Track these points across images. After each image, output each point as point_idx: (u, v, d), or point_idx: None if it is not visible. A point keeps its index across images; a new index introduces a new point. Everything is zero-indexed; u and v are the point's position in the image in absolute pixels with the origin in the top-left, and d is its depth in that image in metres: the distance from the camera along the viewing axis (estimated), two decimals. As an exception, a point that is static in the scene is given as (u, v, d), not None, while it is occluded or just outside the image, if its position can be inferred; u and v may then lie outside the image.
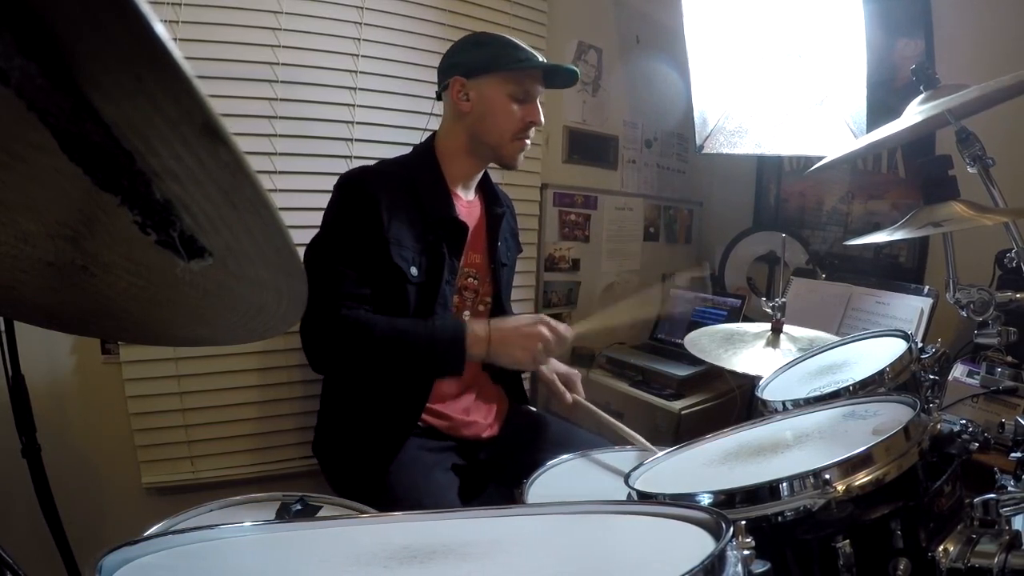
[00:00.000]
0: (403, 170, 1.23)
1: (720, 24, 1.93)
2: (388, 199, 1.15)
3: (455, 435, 1.27)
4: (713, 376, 1.87)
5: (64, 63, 0.27)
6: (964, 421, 0.72)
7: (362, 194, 1.15)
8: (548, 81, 1.26)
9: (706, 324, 1.59)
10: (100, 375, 1.37)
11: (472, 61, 1.21)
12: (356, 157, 1.57)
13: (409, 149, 1.33)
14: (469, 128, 1.23)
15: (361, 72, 1.57)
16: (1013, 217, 0.90)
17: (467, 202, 1.30)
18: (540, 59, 1.22)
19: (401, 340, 1.11)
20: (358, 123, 1.58)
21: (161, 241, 0.37)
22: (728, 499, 0.62)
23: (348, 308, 1.11)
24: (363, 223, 1.14)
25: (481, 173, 1.33)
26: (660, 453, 0.84)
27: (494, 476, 1.28)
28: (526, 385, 1.51)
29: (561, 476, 1.07)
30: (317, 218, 1.23)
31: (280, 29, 1.44)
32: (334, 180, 1.22)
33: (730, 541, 0.43)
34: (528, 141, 1.26)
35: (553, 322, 1.16)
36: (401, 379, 1.19)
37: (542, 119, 1.25)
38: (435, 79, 1.30)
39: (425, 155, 1.27)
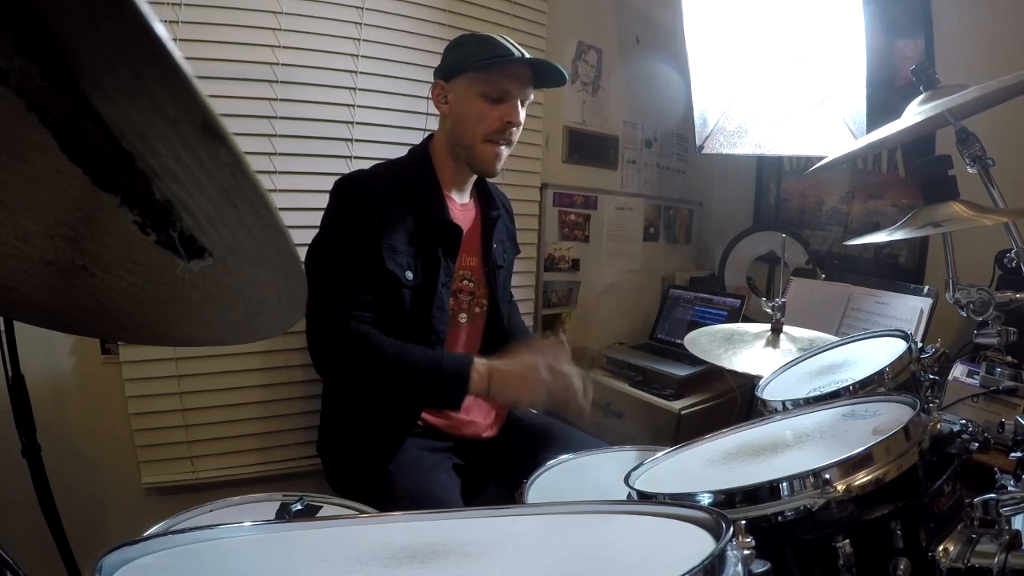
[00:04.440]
0: (398, 173, 1.23)
1: (720, 24, 1.93)
2: (382, 204, 1.15)
3: (455, 435, 1.27)
4: (713, 376, 1.87)
5: (64, 63, 0.27)
6: (964, 421, 0.72)
7: (357, 199, 1.16)
8: (538, 81, 1.24)
9: (706, 324, 1.59)
10: (100, 375, 1.37)
11: (449, 63, 1.21)
12: (356, 157, 1.57)
13: (408, 149, 1.33)
14: (448, 131, 1.24)
15: (361, 72, 1.57)
16: (1013, 217, 0.90)
17: (461, 205, 1.30)
18: (520, 55, 1.17)
19: (407, 369, 1.11)
20: (358, 123, 1.58)
21: (161, 241, 0.37)
22: (728, 499, 0.62)
23: (356, 320, 1.12)
24: (358, 228, 1.14)
25: (474, 176, 1.32)
26: (661, 451, 0.84)
27: (494, 477, 1.28)
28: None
29: (561, 476, 1.07)
30: (317, 218, 1.23)
31: (280, 29, 1.44)
32: (334, 180, 1.22)
33: (730, 541, 0.43)
34: (503, 146, 1.22)
35: (555, 364, 1.14)
36: (400, 400, 1.19)
37: (521, 118, 1.22)
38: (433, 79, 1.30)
39: (420, 158, 1.27)
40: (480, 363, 1.13)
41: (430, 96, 1.27)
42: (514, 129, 1.22)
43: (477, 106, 1.18)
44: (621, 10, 2.20)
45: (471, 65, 1.17)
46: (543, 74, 1.23)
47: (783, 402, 0.96)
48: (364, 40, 1.57)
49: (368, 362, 1.11)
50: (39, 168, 0.34)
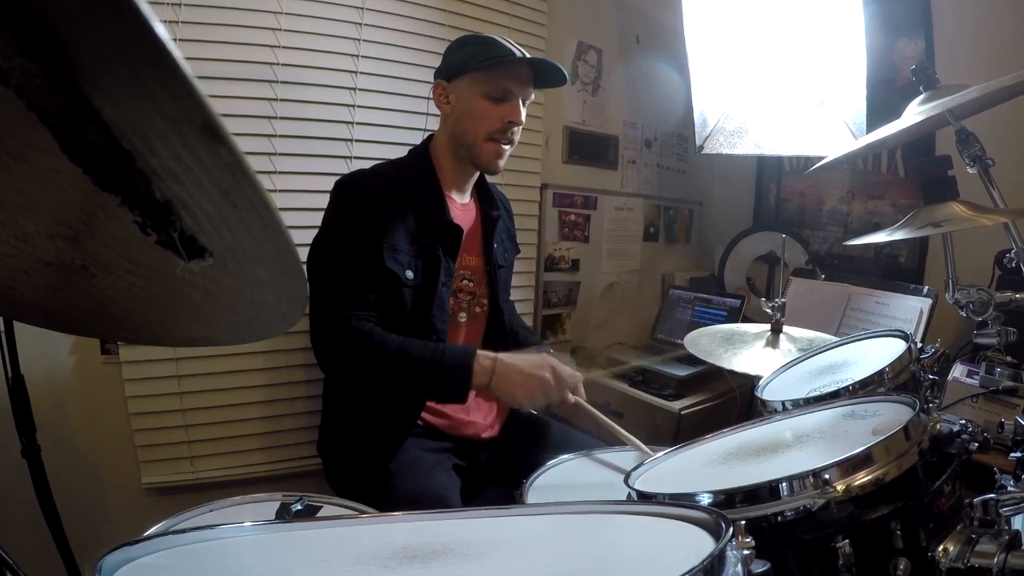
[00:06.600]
0: (399, 173, 1.23)
1: (720, 24, 1.93)
2: (383, 203, 1.16)
3: (455, 434, 1.27)
4: (713, 376, 1.87)
5: (64, 63, 0.27)
6: (964, 421, 0.72)
7: (358, 198, 1.16)
8: (538, 81, 1.25)
9: (706, 324, 1.59)
10: (100, 375, 1.37)
11: (451, 64, 1.22)
12: (356, 157, 1.57)
13: (408, 149, 1.33)
14: (450, 130, 1.24)
15: (361, 72, 1.57)
16: (1013, 217, 0.90)
17: (462, 205, 1.31)
18: (520, 55, 1.18)
19: (410, 363, 1.11)
20: (358, 123, 1.58)
21: (161, 241, 0.37)
22: (728, 499, 0.62)
23: (358, 319, 1.12)
24: (359, 228, 1.14)
25: (475, 176, 1.33)
26: (656, 455, 0.84)
27: (494, 477, 1.28)
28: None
29: (561, 476, 1.06)
30: (317, 218, 1.23)
31: (280, 29, 1.44)
32: (334, 180, 1.22)
33: (730, 541, 0.43)
34: (505, 145, 1.23)
35: (560, 366, 1.14)
36: (406, 397, 1.19)
37: (522, 118, 1.23)
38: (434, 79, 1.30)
39: (420, 158, 1.28)
40: (484, 355, 1.13)
41: (430, 96, 1.27)
42: (515, 128, 1.23)
43: (479, 105, 1.19)
44: (621, 10, 2.20)
45: (473, 65, 1.18)
46: (544, 74, 1.24)
47: (783, 402, 0.96)
48: (364, 40, 1.57)
49: (372, 359, 1.11)
50: (39, 168, 0.34)
